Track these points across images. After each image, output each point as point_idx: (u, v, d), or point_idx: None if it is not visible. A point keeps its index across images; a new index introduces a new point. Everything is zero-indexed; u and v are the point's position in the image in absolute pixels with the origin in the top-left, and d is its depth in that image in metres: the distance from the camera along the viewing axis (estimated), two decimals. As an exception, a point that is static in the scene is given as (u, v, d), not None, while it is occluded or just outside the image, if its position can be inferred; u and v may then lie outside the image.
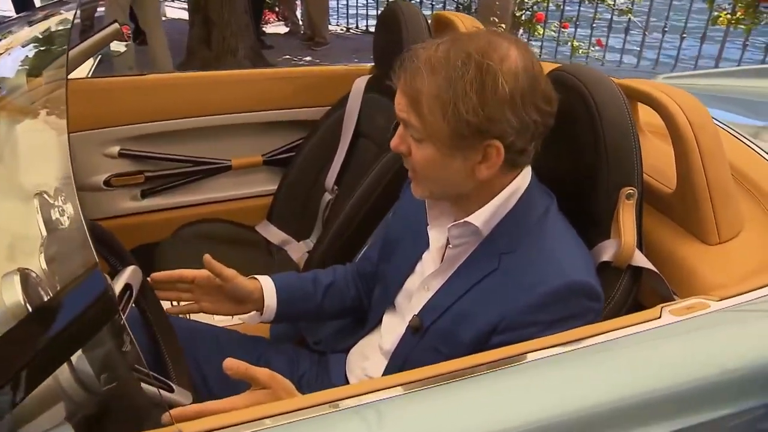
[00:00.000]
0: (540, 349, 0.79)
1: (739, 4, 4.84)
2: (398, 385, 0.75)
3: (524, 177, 0.95)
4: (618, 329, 0.82)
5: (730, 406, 0.78)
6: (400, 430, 0.70)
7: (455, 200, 0.97)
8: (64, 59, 1.68)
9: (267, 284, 1.15)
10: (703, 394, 0.77)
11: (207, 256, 1.08)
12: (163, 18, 7.27)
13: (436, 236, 1.04)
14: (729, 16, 4.85)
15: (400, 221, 1.17)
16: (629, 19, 5.21)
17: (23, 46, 1.57)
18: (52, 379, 0.80)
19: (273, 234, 1.97)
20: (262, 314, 1.15)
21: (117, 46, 1.91)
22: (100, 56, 1.94)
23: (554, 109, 0.89)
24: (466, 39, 0.87)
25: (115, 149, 1.87)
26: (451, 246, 0.98)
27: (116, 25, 1.76)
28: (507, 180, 0.93)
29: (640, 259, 0.97)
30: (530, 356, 0.79)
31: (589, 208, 1.01)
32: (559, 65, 1.08)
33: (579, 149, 0.99)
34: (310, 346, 1.30)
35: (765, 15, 4.80)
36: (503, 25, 5.17)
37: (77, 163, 1.83)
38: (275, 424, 0.67)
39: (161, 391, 0.97)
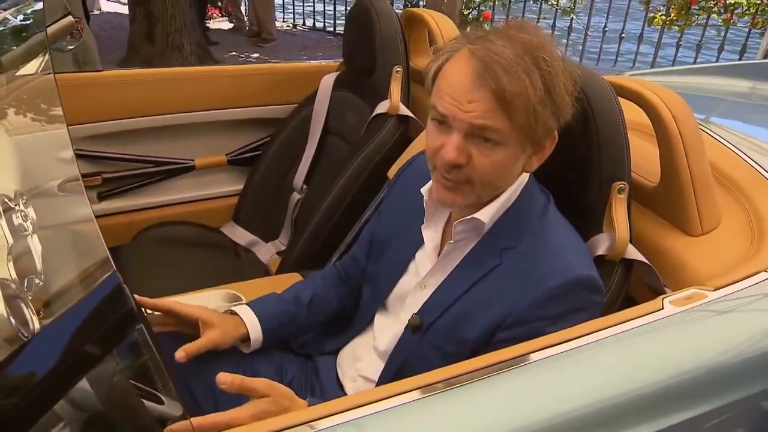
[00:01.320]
0: (543, 348, 0.79)
1: (673, 6, 5.08)
2: (414, 390, 0.73)
3: (525, 174, 0.95)
4: (622, 323, 0.83)
5: (736, 392, 0.81)
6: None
7: (486, 195, 0.94)
8: (22, 53, 1.58)
9: (250, 320, 1.10)
10: (710, 381, 0.80)
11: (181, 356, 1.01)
12: (97, 11, 6.99)
13: (431, 235, 1.03)
14: (663, 17, 5.08)
15: (389, 221, 1.15)
16: (572, 18, 5.38)
17: None
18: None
19: (239, 235, 1.91)
20: (250, 346, 1.11)
21: (68, 42, 1.81)
22: (51, 50, 1.82)
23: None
24: (521, 37, 0.84)
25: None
26: (452, 242, 0.97)
27: (70, 18, 1.66)
28: (517, 175, 0.93)
29: (633, 252, 1.00)
30: (533, 356, 0.78)
31: (582, 203, 1.03)
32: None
33: (571, 141, 1.00)
34: (295, 349, 1.26)
35: (696, 16, 5.07)
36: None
37: (29, 167, 1.72)
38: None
39: (151, 403, 0.92)
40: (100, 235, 0.58)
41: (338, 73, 1.84)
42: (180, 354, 1.00)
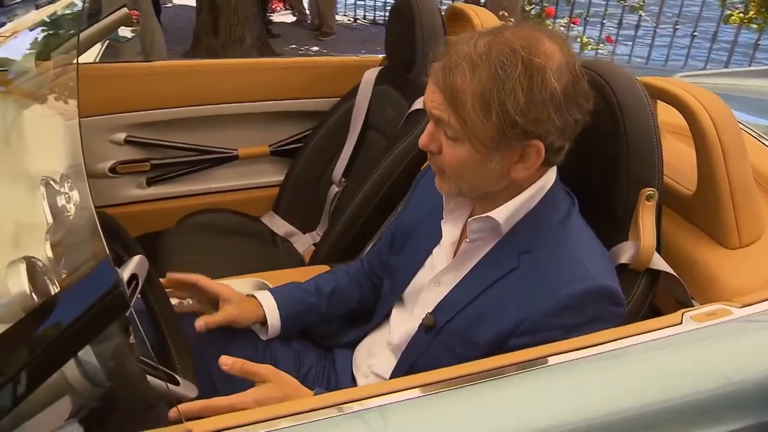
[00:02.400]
0: (561, 353, 0.77)
1: (753, 3, 4.79)
2: (414, 387, 0.73)
3: (550, 176, 0.92)
4: (638, 334, 0.80)
5: (752, 417, 0.76)
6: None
7: (479, 195, 0.95)
8: (73, 43, 1.66)
9: (268, 304, 1.13)
10: (726, 403, 0.75)
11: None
12: (169, 4, 7.25)
13: (449, 231, 1.02)
14: (741, 14, 4.80)
15: (412, 214, 1.15)
16: (640, 15, 5.16)
17: (30, 30, 1.55)
18: (58, 372, 0.78)
19: (278, 225, 1.95)
20: (267, 331, 1.14)
21: (124, 32, 1.88)
22: (107, 41, 1.91)
23: (591, 106, 0.86)
24: (508, 34, 0.83)
25: (122, 136, 1.84)
26: (468, 240, 0.95)
27: (125, 10, 1.74)
28: (534, 178, 0.90)
29: (659, 263, 0.95)
30: (552, 360, 0.77)
31: (608, 208, 0.99)
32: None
33: (598, 144, 0.97)
34: (316, 340, 1.28)
35: (778, 14, 4.76)
36: (512, 20, 5.13)
37: (84, 150, 1.81)
38: (291, 424, 0.65)
39: (167, 384, 0.95)
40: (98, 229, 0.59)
41: (381, 67, 1.84)
42: (200, 323, 1.04)
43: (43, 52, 1.20)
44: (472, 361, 0.79)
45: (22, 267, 0.82)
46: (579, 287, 0.83)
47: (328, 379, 1.16)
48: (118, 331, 0.84)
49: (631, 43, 5.32)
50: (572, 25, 5.50)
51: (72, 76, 1.71)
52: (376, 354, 1.11)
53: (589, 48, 5.41)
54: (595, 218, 0.96)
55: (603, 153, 0.97)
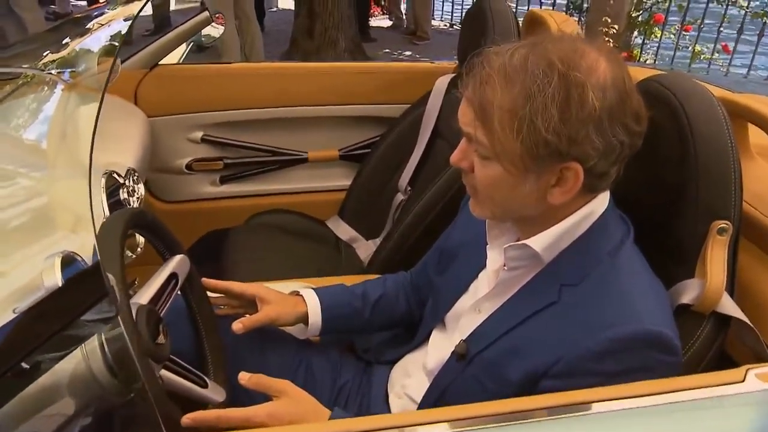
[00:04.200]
0: (607, 400, 0.69)
1: None
2: (443, 421, 0.67)
3: (600, 201, 0.83)
4: (693, 389, 0.70)
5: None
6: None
7: (518, 220, 0.88)
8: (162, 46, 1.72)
9: (312, 302, 1.11)
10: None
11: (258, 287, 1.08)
12: (274, 9, 7.53)
13: (494, 256, 0.95)
14: None
15: (459, 235, 1.09)
16: (764, 22, 4.72)
17: (124, 20, 1.61)
18: (84, 362, 0.79)
19: (342, 230, 1.94)
20: (307, 330, 1.12)
21: (209, 34, 1.95)
22: (192, 43, 1.99)
23: (644, 128, 0.77)
24: (548, 44, 0.76)
25: (199, 135, 1.91)
26: (505, 268, 0.89)
27: (206, 13, 1.80)
28: (579, 204, 0.82)
29: (729, 306, 0.83)
30: (596, 407, 0.69)
31: (671, 240, 0.88)
32: (653, 74, 0.95)
33: (663, 167, 0.87)
34: (359, 353, 1.25)
35: None
36: (615, 27, 4.86)
37: (163, 146, 1.89)
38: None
39: (193, 386, 0.95)
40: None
41: (454, 74, 1.78)
42: (237, 326, 1.03)
43: (110, 50, 1.23)
44: (505, 399, 0.73)
45: (58, 261, 0.85)
46: (623, 331, 0.74)
47: (362, 395, 1.12)
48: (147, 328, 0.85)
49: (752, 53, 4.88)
50: (684, 32, 5.13)
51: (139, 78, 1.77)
52: (411, 375, 1.06)
53: (702, 58, 5.03)
54: (656, 251, 0.86)
55: (669, 178, 0.86)
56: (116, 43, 1.10)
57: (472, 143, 0.81)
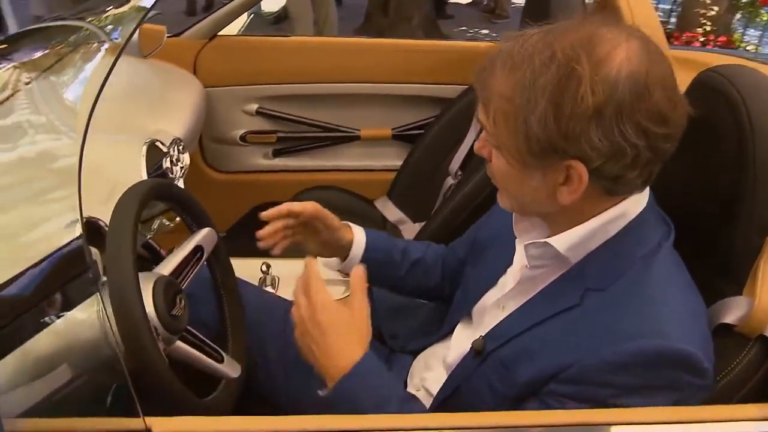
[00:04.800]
0: (627, 424, 0.64)
1: None
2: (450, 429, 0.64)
3: (634, 203, 0.76)
4: (725, 421, 0.63)
5: None
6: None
7: (542, 216, 0.82)
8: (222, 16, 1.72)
9: (359, 237, 1.10)
10: None
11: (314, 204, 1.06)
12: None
13: (521, 252, 0.89)
14: None
15: (493, 226, 1.04)
16: None
17: None
18: (99, 323, 0.80)
19: (390, 211, 1.91)
20: (343, 262, 1.11)
21: (269, 6, 1.95)
22: (252, 14, 2.00)
23: (672, 131, 0.68)
24: (563, 31, 0.69)
25: (254, 107, 1.92)
26: (528, 267, 0.83)
27: (265, -16, 1.79)
28: (606, 205, 0.75)
29: (779, 330, 0.74)
30: (614, 430, 0.64)
31: (720, 252, 0.79)
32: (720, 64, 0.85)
33: (717, 169, 0.78)
34: (386, 340, 1.22)
35: None
36: (715, 8, 4.52)
37: (219, 117, 1.92)
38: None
39: (209, 360, 0.96)
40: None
41: (515, 56, 1.70)
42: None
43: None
44: (509, 409, 0.69)
45: (77, 227, 0.86)
46: (646, 345, 0.67)
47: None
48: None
49: None
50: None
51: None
52: (431, 368, 1.03)
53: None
54: (701, 263, 0.78)
55: (722, 182, 0.77)
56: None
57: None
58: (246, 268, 1.40)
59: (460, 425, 0.65)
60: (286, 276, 1.47)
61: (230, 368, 0.99)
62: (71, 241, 0.53)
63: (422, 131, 1.90)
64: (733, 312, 0.76)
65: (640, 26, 1.50)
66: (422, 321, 1.21)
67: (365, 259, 1.08)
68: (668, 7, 5.70)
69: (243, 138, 1.95)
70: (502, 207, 0.84)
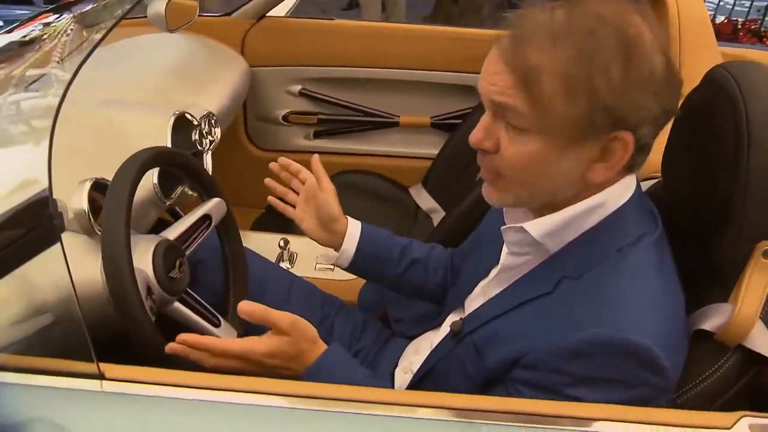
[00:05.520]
0: (613, 420, 0.63)
1: None
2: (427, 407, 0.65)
3: (616, 195, 0.74)
4: (674, 426, 0.61)
5: None
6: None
7: (543, 206, 0.79)
8: None
9: (353, 227, 1.07)
10: None
11: (316, 156, 1.06)
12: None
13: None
14: None
15: (492, 217, 1.02)
16: None
17: None
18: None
19: (423, 199, 1.91)
20: (338, 256, 1.08)
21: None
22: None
23: (677, 97, 0.70)
24: (591, 2, 0.68)
25: (297, 88, 1.96)
26: (508, 253, 0.82)
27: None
28: (588, 192, 0.73)
29: (759, 342, 0.70)
30: (552, 421, 0.63)
31: (709, 258, 0.76)
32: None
33: (714, 168, 0.75)
34: (391, 323, 1.24)
35: None
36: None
37: (264, 96, 1.98)
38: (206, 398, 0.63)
39: (205, 323, 1.00)
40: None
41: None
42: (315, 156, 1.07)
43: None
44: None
45: (87, 186, 0.93)
46: (598, 334, 0.66)
47: (375, 363, 1.12)
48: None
49: None
50: None
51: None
52: (420, 352, 1.04)
53: None
54: (693, 268, 0.75)
55: (718, 185, 0.74)
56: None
57: (500, 117, 0.72)
58: (265, 243, 1.46)
59: (430, 404, 0.66)
60: (304, 253, 1.51)
61: (225, 333, 1.03)
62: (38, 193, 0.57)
63: (460, 121, 1.89)
64: (714, 319, 0.72)
65: (686, 21, 1.44)
66: (428, 309, 1.21)
67: (358, 253, 1.07)
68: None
69: (285, 118, 2.00)
70: (494, 203, 0.80)
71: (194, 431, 0.63)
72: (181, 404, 0.62)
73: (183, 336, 0.79)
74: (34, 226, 0.61)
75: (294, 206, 1.09)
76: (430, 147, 1.99)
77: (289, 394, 0.66)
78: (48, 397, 0.60)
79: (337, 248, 1.08)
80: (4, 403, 0.58)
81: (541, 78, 0.66)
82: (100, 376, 0.60)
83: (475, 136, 0.75)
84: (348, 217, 1.09)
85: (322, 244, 1.09)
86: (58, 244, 0.57)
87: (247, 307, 0.81)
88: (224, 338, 0.88)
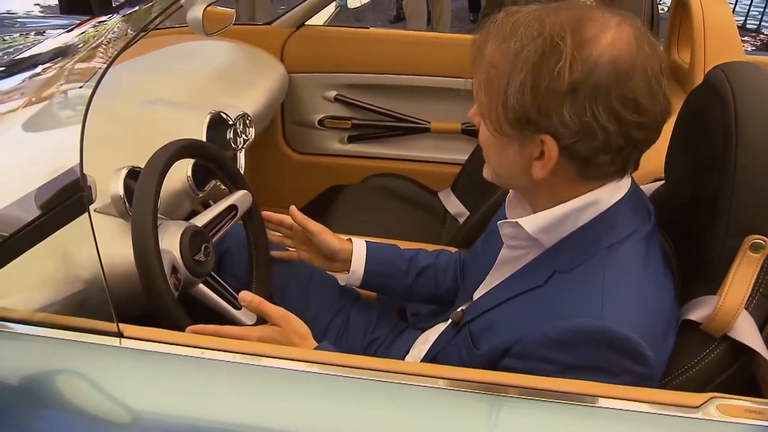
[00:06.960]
0: (617, 399, 0.66)
1: None
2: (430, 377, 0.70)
3: (610, 192, 0.77)
4: (646, 402, 0.64)
5: None
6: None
7: (524, 193, 0.85)
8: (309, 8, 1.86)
9: (359, 249, 1.14)
10: None
11: (292, 207, 1.12)
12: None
13: None
14: None
15: (499, 214, 1.06)
16: None
17: None
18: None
19: (452, 203, 1.94)
20: (348, 276, 1.15)
21: (354, 3, 2.08)
22: (339, 7, 2.12)
23: (646, 120, 0.69)
24: (558, 8, 0.72)
25: (332, 93, 2.04)
26: (505, 246, 0.86)
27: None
28: (580, 190, 0.77)
29: (745, 333, 0.71)
30: (603, 402, 0.66)
31: (700, 252, 0.78)
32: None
33: (705, 165, 0.77)
34: (407, 317, 1.28)
35: None
36: None
37: (301, 101, 2.07)
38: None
39: (227, 305, 1.08)
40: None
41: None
42: (292, 208, 1.13)
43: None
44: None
45: (123, 173, 1.02)
46: (576, 323, 0.69)
47: (388, 352, 1.16)
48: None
49: None
50: None
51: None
52: (428, 341, 1.08)
53: None
54: (685, 258, 0.77)
55: (709, 181, 0.76)
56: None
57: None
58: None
59: (441, 375, 0.71)
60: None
61: (246, 316, 1.10)
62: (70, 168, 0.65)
63: (490, 127, 1.92)
64: (700, 310, 0.74)
65: (711, 27, 1.44)
66: (441, 303, 1.25)
67: (369, 271, 1.13)
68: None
69: (321, 122, 2.08)
70: (485, 176, 0.87)
71: (204, 385, 0.69)
72: (192, 362, 0.69)
73: (189, 330, 0.90)
74: (68, 197, 0.69)
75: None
76: (460, 153, 2.03)
77: (291, 358, 0.72)
78: (72, 351, 0.68)
79: (348, 271, 1.15)
80: (33, 354, 0.66)
81: (481, 69, 0.74)
82: (119, 335, 0.68)
83: (471, 112, 0.83)
84: (352, 238, 1.16)
85: (336, 272, 1.18)
86: (86, 215, 0.64)
87: (246, 296, 0.92)
88: (225, 326, 0.94)
